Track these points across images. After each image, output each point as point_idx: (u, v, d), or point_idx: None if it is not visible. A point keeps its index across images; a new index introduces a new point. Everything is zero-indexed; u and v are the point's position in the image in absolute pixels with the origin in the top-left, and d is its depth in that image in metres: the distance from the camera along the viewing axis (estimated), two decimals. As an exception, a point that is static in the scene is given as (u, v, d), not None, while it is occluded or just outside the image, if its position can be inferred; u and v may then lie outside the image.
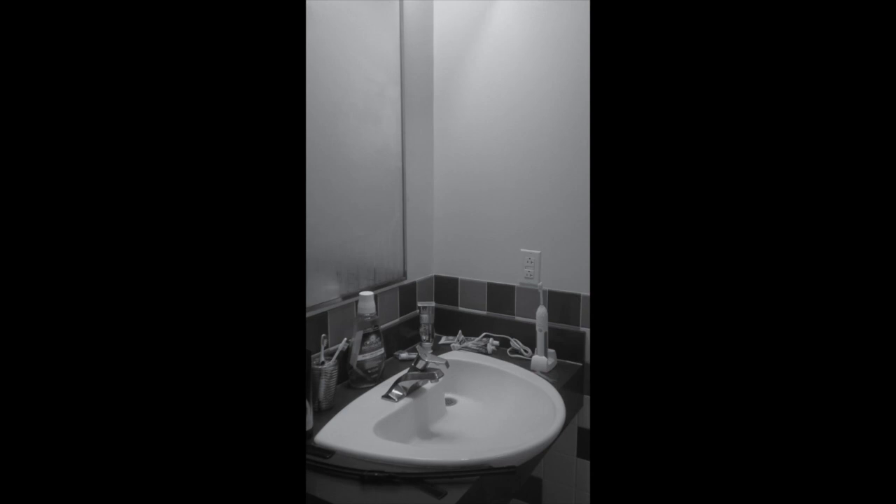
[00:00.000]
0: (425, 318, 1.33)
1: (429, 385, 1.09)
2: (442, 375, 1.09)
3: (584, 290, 1.24)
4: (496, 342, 1.33)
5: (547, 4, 1.22)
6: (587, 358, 1.24)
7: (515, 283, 1.33)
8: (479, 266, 1.38)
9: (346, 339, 1.11)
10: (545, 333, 1.20)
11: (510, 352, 1.30)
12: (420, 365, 1.08)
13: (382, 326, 1.19)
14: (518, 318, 1.33)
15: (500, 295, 1.36)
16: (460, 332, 1.39)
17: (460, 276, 1.41)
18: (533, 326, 1.23)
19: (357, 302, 1.12)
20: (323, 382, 0.98)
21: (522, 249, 1.31)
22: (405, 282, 1.33)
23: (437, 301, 1.45)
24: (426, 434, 1.06)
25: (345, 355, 1.10)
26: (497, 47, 1.29)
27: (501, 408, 1.14)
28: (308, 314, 1.05)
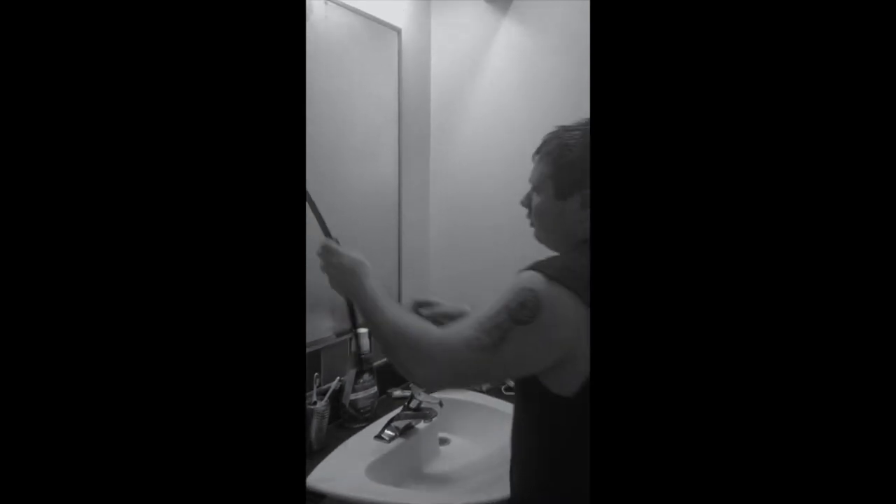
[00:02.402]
0: (420, 354, 1.32)
1: (422, 425, 1.07)
2: (436, 415, 1.08)
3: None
4: (491, 379, 1.31)
5: (541, 46, 1.25)
6: (583, 396, 1.23)
7: (510, 320, 1.32)
8: (476, 302, 1.38)
9: (339, 377, 1.10)
10: (540, 371, 1.18)
11: (505, 389, 1.28)
12: (413, 404, 1.06)
13: (376, 363, 1.17)
14: (513, 355, 1.32)
15: (495, 331, 1.34)
16: (455, 368, 1.37)
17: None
18: (528, 364, 1.22)
19: (351, 339, 1.11)
20: (315, 423, 0.97)
21: (517, 286, 1.31)
22: (400, 317, 1.32)
23: (431, 337, 1.43)
24: (419, 476, 1.04)
25: (337, 394, 1.08)
26: (492, 92, 1.32)
27: (496, 447, 1.12)
28: (301, 352, 1.03)
